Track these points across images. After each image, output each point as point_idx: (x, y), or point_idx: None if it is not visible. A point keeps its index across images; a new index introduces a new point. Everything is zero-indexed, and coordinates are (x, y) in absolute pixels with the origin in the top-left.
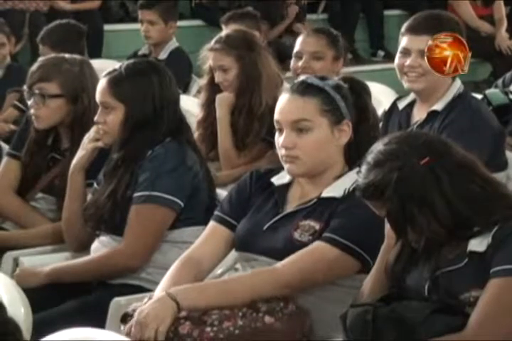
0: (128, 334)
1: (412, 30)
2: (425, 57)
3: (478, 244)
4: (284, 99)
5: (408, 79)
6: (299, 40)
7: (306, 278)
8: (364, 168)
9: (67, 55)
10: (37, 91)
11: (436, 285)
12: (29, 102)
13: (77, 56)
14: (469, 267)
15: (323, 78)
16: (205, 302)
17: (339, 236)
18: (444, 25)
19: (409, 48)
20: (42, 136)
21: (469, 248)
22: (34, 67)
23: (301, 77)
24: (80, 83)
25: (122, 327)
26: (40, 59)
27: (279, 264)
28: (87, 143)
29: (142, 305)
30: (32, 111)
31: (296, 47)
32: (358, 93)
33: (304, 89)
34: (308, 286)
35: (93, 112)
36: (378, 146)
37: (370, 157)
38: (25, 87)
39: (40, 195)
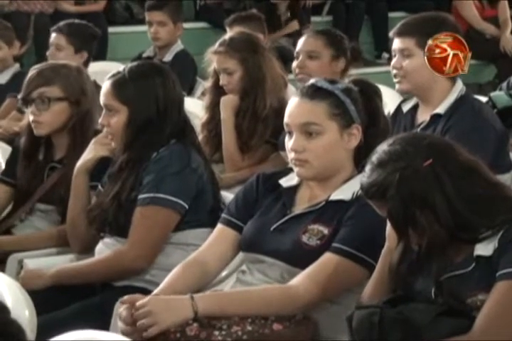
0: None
1: (397, 33)
2: (406, 58)
3: (484, 248)
4: (293, 103)
5: (395, 80)
6: (300, 40)
7: (324, 295)
8: (368, 167)
9: (61, 62)
10: (37, 97)
11: (442, 289)
12: (28, 110)
13: (72, 63)
14: (476, 271)
15: (332, 81)
16: (222, 314)
17: (350, 247)
18: (425, 26)
19: (394, 49)
20: (32, 149)
21: (476, 252)
22: (31, 74)
23: (311, 80)
24: (80, 86)
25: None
26: (36, 66)
27: (295, 283)
28: (95, 149)
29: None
30: (32, 117)
31: (296, 48)
32: (369, 96)
33: (313, 93)
34: (323, 301)
35: (93, 116)
36: (383, 147)
37: (374, 157)
38: (20, 95)
39: (42, 206)
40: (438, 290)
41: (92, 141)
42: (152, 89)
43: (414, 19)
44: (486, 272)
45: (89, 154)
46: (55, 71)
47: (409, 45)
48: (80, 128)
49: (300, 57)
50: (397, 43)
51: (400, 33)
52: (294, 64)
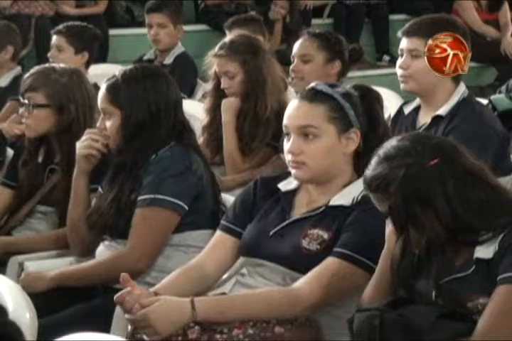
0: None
1: (406, 33)
2: (415, 59)
3: (484, 251)
4: (292, 105)
5: (399, 79)
6: (295, 44)
7: (326, 299)
8: (374, 160)
9: (58, 65)
10: (26, 101)
11: (443, 292)
12: (20, 110)
13: (69, 66)
14: (476, 274)
15: (333, 85)
16: (222, 320)
17: (351, 251)
18: (436, 28)
19: (402, 49)
20: (33, 147)
21: (476, 255)
22: (26, 76)
23: (312, 84)
24: (66, 93)
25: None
26: (33, 69)
27: (298, 286)
28: (78, 149)
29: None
30: (23, 119)
31: (292, 52)
32: (369, 102)
33: (313, 96)
34: (327, 305)
35: (83, 122)
36: (392, 142)
37: (381, 151)
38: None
39: (42, 208)
40: (438, 293)
41: (76, 144)
42: (143, 93)
43: (424, 20)
44: (487, 275)
45: (77, 157)
46: (45, 76)
47: (419, 45)
48: (68, 134)
49: (295, 61)
50: (405, 43)
51: (410, 33)
52: (290, 68)
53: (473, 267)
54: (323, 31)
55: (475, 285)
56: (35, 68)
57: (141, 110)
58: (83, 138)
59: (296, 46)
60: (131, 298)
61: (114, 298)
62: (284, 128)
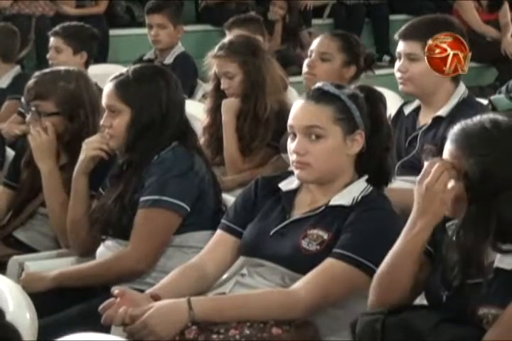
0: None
1: (403, 36)
2: (413, 62)
3: (506, 261)
4: (298, 105)
5: (399, 81)
6: (315, 40)
7: (325, 301)
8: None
9: (63, 70)
10: (33, 108)
11: (455, 296)
12: (27, 116)
13: (73, 69)
14: (494, 283)
15: (339, 86)
16: (220, 320)
17: (350, 252)
18: (432, 29)
19: (400, 52)
20: None
21: (496, 264)
22: (30, 82)
23: (318, 84)
24: (76, 100)
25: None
26: (37, 73)
27: (296, 288)
28: (86, 149)
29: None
30: (31, 127)
31: (310, 47)
32: (373, 103)
33: (319, 96)
34: (325, 307)
35: (92, 125)
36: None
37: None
38: (23, 99)
39: (43, 210)
40: (452, 297)
41: (83, 143)
42: (156, 92)
43: (421, 22)
44: (503, 287)
45: (81, 156)
46: (52, 83)
47: (416, 49)
48: (78, 140)
49: (312, 56)
50: (402, 46)
51: (406, 36)
52: (305, 62)
53: (492, 275)
54: (344, 32)
55: (490, 293)
56: (39, 74)
57: (153, 109)
58: (90, 139)
59: (316, 43)
60: (119, 314)
61: (99, 309)
62: (289, 128)
